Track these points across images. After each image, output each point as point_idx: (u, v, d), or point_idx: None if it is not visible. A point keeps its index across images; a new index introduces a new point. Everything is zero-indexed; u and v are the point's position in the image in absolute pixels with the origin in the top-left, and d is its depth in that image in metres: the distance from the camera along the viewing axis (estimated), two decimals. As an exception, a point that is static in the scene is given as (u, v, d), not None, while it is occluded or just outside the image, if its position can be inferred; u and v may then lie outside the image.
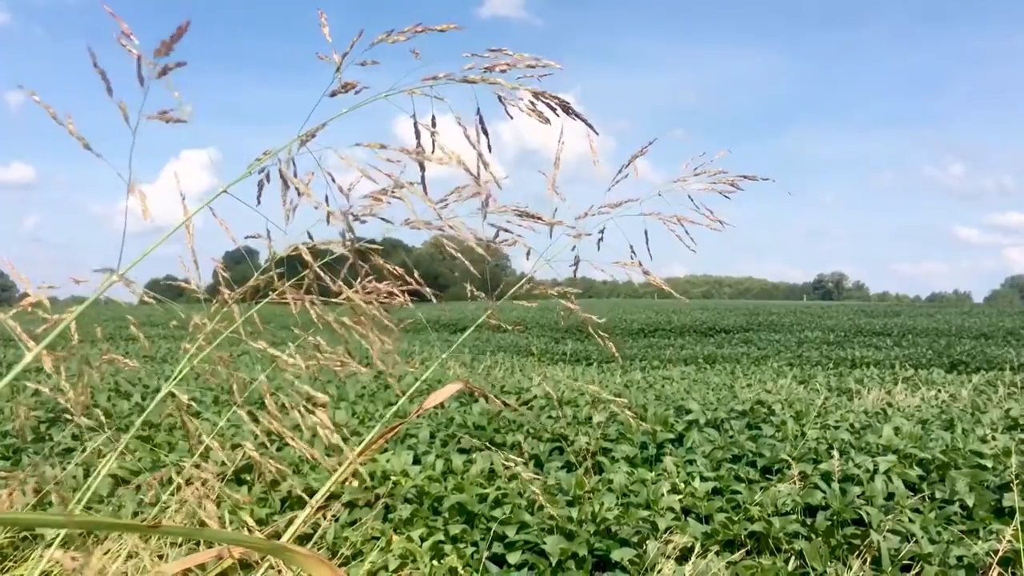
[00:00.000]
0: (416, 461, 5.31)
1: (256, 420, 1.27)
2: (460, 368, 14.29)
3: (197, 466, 1.36)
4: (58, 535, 4.04)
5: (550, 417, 6.84)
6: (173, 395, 1.32)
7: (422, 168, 1.17)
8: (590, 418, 6.66)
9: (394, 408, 1.76)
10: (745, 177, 1.41)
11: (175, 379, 1.29)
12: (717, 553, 3.97)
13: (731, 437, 6.18)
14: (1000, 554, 3.65)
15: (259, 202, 1.17)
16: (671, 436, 6.24)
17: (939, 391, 11.29)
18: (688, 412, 7.09)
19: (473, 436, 6.20)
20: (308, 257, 1.19)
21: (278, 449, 4.88)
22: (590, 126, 1.21)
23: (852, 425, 6.76)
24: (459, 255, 1.27)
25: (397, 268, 1.32)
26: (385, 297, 1.30)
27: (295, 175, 1.12)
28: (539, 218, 1.30)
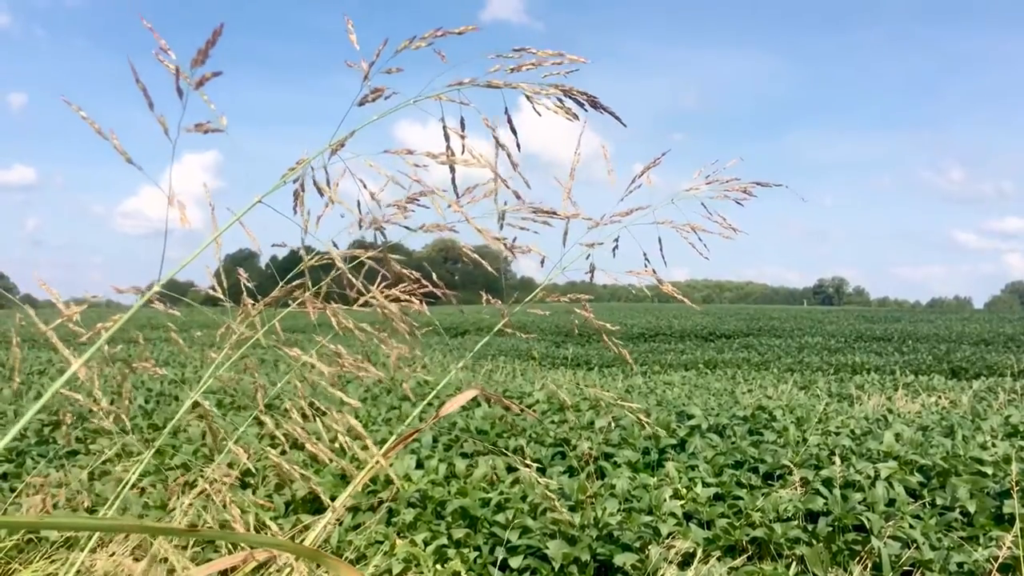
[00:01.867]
0: (419, 465, 5.33)
1: (278, 425, 1.30)
2: (462, 372, 14.29)
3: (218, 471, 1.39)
4: (63, 537, 4.06)
5: (553, 422, 6.86)
6: (196, 403, 1.34)
7: (452, 171, 1.20)
8: (592, 423, 6.68)
9: (415, 413, 1.79)
10: (758, 183, 1.40)
11: (202, 388, 1.32)
12: (719, 558, 3.99)
13: (733, 443, 6.19)
14: (1000, 560, 3.67)
15: (295, 211, 1.20)
16: (673, 441, 6.26)
17: (939, 397, 11.31)
18: (690, 417, 7.10)
19: (476, 440, 6.22)
20: (341, 264, 1.22)
21: (282, 453, 4.90)
22: (618, 118, 1.22)
23: (853, 431, 6.77)
24: (475, 255, 1.29)
25: (414, 272, 1.34)
26: (404, 302, 1.33)
27: (327, 183, 1.16)
28: (555, 213, 1.32)
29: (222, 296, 1.34)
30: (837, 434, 6.53)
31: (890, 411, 8.89)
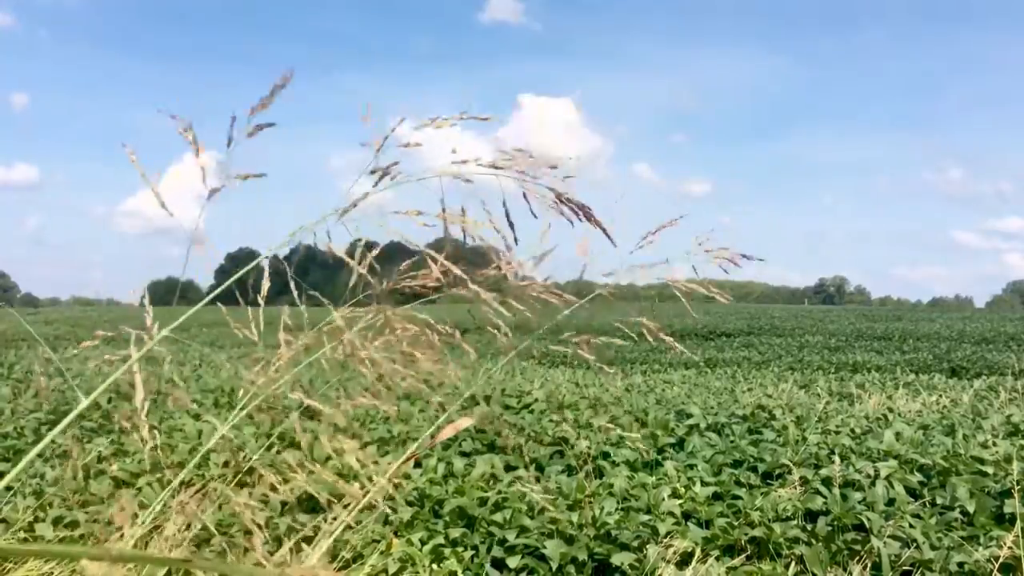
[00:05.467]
0: (417, 464, 5.31)
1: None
2: (461, 371, 14.25)
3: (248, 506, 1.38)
4: (58, 538, 4.03)
5: (551, 420, 6.84)
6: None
7: (451, 236, 1.27)
8: (590, 422, 6.66)
9: (424, 434, 1.77)
10: (745, 256, 1.57)
11: (232, 421, 1.32)
12: (717, 558, 3.96)
13: (732, 442, 6.17)
14: (1001, 560, 3.64)
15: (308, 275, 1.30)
16: (672, 440, 6.23)
17: (940, 396, 11.28)
18: (689, 416, 7.08)
19: (474, 440, 6.20)
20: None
21: (278, 452, 4.88)
22: (608, 235, 1.30)
23: (853, 430, 6.74)
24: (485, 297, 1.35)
25: (431, 326, 1.43)
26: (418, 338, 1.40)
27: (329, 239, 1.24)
28: (560, 295, 1.41)
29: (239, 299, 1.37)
30: (837, 433, 6.50)
31: (890, 410, 8.86)
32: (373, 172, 1.22)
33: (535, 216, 1.25)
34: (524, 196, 1.23)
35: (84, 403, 1.11)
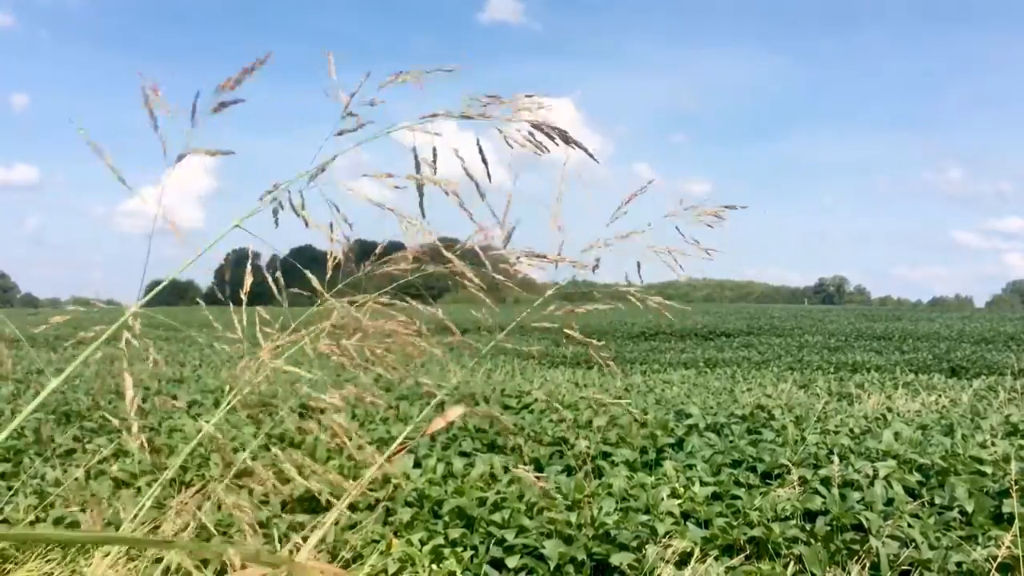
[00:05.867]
0: (417, 464, 5.32)
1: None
2: (460, 371, 14.26)
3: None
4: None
5: (551, 421, 6.85)
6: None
7: (420, 194, 1.26)
8: (590, 422, 6.66)
9: (422, 415, 1.79)
10: (726, 207, 1.54)
11: (221, 413, 1.33)
12: (716, 558, 3.97)
13: (731, 442, 6.18)
14: (999, 560, 3.65)
15: (276, 225, 1.29)
16: (671, 440, 6.24)
17: (939, 396, 11.28)
18: (688, 416, 7.09)
19: (474, 439, 6.21)
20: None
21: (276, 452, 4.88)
22: (589, 154, 1.27)
23: (852, 430, 6.75)
24: (464, 270, 1.34)
25: (413, 323, 1.43)
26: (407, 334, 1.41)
27: (303, 206, 1.22)
28: (544, 257, 1.41)
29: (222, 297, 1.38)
30: (836, 433, 6.51)
31: (889, 410, 8.87)
32: (341, 132, 1.23)
33: (511, 147, 1.23)
34: (499, 131, 1.22)
35: (53, 383, 1.12)
